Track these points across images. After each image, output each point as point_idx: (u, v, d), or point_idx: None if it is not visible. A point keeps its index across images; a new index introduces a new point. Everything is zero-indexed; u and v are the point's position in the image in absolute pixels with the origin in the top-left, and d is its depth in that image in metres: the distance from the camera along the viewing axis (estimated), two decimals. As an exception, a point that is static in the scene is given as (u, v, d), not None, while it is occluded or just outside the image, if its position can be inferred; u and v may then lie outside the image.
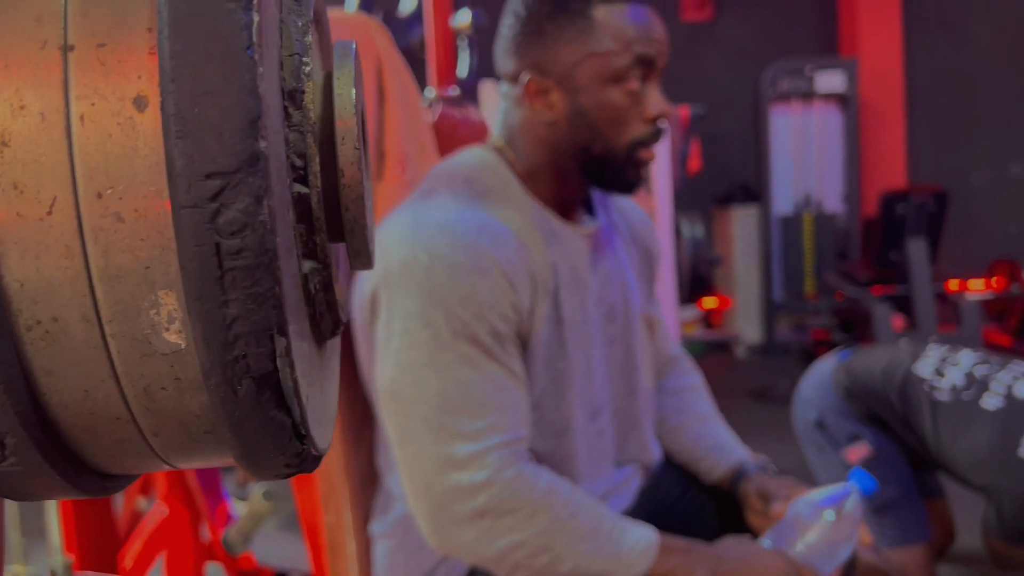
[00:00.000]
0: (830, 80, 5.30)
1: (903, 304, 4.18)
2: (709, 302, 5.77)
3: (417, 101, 1.33)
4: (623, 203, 1.24)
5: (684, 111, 4.28)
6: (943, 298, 4.18)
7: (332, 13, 1.21)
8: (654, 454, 1.22)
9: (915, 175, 5.80)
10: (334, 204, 0.29)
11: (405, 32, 2.42)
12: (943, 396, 1.99)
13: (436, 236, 0.94)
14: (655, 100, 1.02)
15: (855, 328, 4.50)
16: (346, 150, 0.29)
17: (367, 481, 1.17)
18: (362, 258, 0.31)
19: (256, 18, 0.24)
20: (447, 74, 1.57)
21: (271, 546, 2.65)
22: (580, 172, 1.05)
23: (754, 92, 5.40)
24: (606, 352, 1.14)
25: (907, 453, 2.14)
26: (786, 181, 5.40)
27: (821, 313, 4.97)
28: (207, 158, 0.23)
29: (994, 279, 5.07)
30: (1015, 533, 1.87)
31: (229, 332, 0.24)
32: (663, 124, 1.04)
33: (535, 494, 0.93)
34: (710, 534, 1.15)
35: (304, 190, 0.28)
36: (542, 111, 1.03)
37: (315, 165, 0.28)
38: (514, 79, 1.05)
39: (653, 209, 4.03)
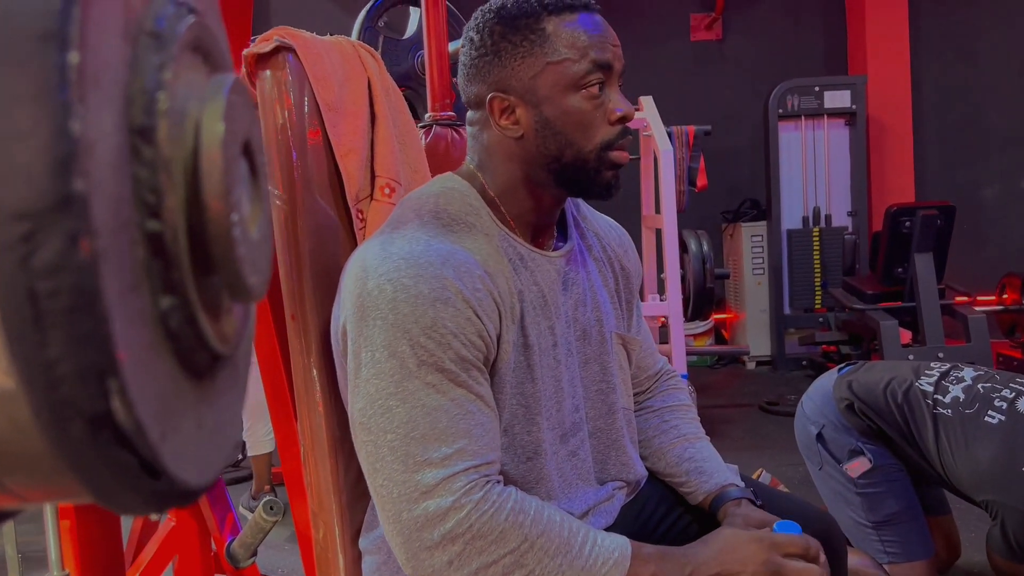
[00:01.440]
0: (839, 97, 5.31)
1: (911, 319, 4.17)
2: (719, 316, 5.78)
3: (410, 124, 1.36)
4: (598, 223, 1.26)
5: (691, 129, 4.30)
6: (951, 312, 4.16)
7: (323, 39, 1.24)
8: (638, 471, 1.22)
9: (924, 190, 5.79)
10: (203, 238, 0.29)
11: (408, 54, 2.46)
12: (946, 410, 1.99)
13: (401, 267, 0.96)
14: (617, 102, 1.05)
15: (863, 342, 4.48)
16: (211, 185, 0.28)
17: (356, 498, 1.18)
18: (238, 292, 0.30)
19: (75, 58, 0.24)
20: (443, 96, 1.60)
21: (279, 557, 2.67)
22: (555, 183, 1.07)
23: (763, 110, 5.42)
24: (582, 373, 1.15)
25: (909, 469, 2.13)
26: (795, 196, 5.41)
27: (830, 327, 4.96)
28: (17, 200, 0.23)
29: (1005, 293, 5.05)
30: (1020, 550, 1.86)
31: (53, 373, 0.23)
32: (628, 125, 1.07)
33: (503, 515, 0.94)
34: None
35: (158, 227, 0.27)
36: (509, 128, 1.05)
37: (171, 200, 0.27)
38: (479, 103, 1.08)
39: (661, 226, 4.05)
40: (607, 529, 1.14)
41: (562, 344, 1.10)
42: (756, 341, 5.51)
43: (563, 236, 1.18)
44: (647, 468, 1.29)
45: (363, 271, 0.99)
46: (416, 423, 0.94)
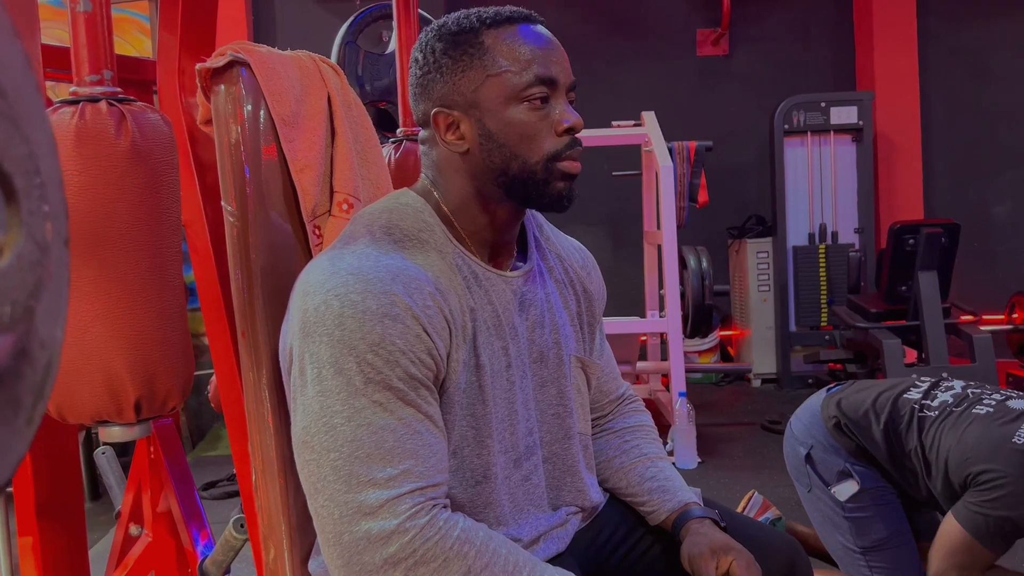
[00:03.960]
0: (845, 114, 5.27)
1: (915, 337, 4.11)
2: (725, 332, 5.73)
3: (372, 140, 1.34)
4: (561, 244, 1.24)
5: (692, 145, 4.27)
6: (957, 332, 4.10)
7: (281, 53, 1.23)
8: (592, 498, 1.20)
9: (933, 207, 5.73)
10: None
11: (389, 69, 2.46)
12: (932, 412, 1.95)
13: (349, 283, 0.95)
14: (563, 113, 1.03)
15: (868, 360, 4.42)
16: None
17: (306, 520, 1.16)
18: None
19: None
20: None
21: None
22: (506, 196, 1.06)
23: (769, 125, 5.38)
24: (537, 396, 1.13)
25: (899, 492, 2.09)
26: (801, 213, 5.36)
27: (836, 345, 4.90)
28: None
29: (1015, 312, 4.97)
30: (998, 531, 1.78)
31: None
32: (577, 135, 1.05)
33: (448, 542, 0.91)
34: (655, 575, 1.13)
35: None
36: (455, 143, 1.05)
37: None
38: (425, 121, 1.07)
39: (660, 242, 4.02)
40: (559, 555, 1.12)
41: (516, 366, 1.08)
42: (761, 358, 5.45)
43: (523, 256, 1.16)
44: (607, 488, 1.26)
45: (310, 286, 0.97)
46: (361, 442, 0.92)
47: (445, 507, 0.96)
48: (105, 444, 2.38)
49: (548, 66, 1.02)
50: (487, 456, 1.04)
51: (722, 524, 1.16)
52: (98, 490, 3.59)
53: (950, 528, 1.84)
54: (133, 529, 2.18)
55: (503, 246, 1.11)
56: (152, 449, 1.99)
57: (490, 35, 1.02)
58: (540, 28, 1.06)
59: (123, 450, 3.44)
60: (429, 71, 1.05)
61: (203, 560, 1.86)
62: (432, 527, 0.91)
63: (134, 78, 1.88)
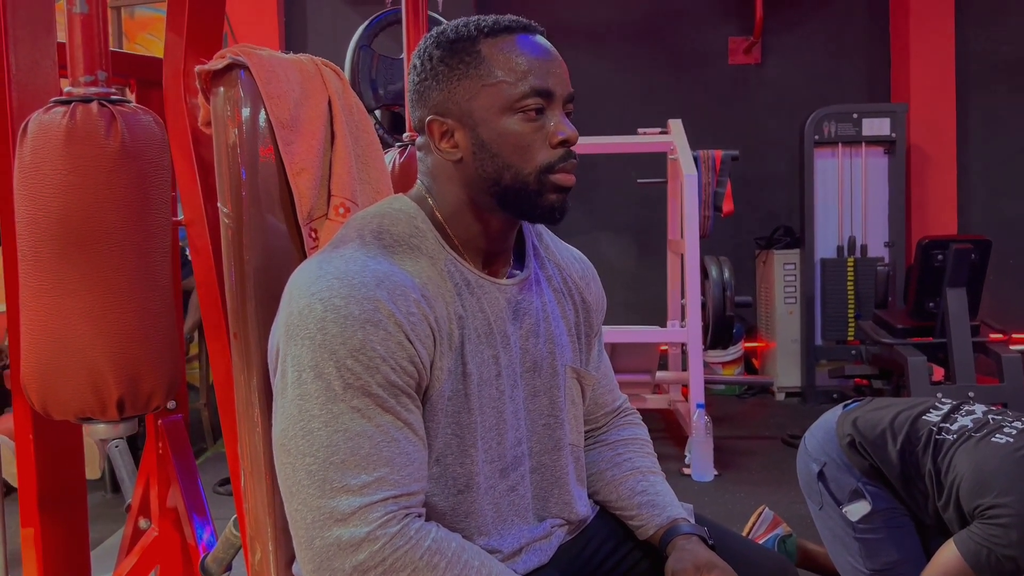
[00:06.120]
0: (878, 125, 5.19)
1: (943, 355, 4.03)
2: (750, 344, 5.66)
3: (373, 144, 1.34)
4: (560, 253, 1.23)
5: (717, 153, 4.23)
6: (985, 350, 4.01)
7: (282, 56, 1.23)
8: (579, 511, 1.18)
9: (966, 223, 5.61)
10: None
11: (402, 73, 2.47)
12: (950, 436, 1.91)
13: (333, 287, 0.95)
14: (558, 125, 1.02)
15: (894, 377, 4.34)
16: None
17: (291, 522, 1.17)
18: None
19: None
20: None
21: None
22: (499, 206, 1.05)
23: (799, 136, 5.32)
24: (528, 405, 1.12)
25: (913, 516, 2.04)
26: (830, 225, 5.29)
27: (863, 360, 4.82)
28: None
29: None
30: (998, 566, 1.72)
31: None
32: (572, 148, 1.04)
33: (418, 552, 0.91)
34: None
35: None
36: (448, 151, 1.04)
37: None
38: (421, 127, 1.07)
39: (683, 251, 3.98)
40: (541, 568, 1.11)
41: (507, 375, 1.07)
42: (786, 371, 5.38)
43: (521, 265, 1.15)
44: (598, 501, 1.25)
45: (297, 288, 0.98)
46: (337, 447, 0.92)
47: (419, 516, 0.95)
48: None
49: (545, 78, 1.01)
50: (470, 465, 1.03)
51: (710, 542, 1.14)
52: (117, 483, 3.64)
53: (949, 554, 1.79)
54: (142, 522, 2.21)
55: (498, 254, 1.10)
56: (160, 445, 2.02)
57: (487, 44, 1.02)
58: (539, 39, 1.05)
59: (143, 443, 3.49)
60: (426, 78, 1.05)
61: (205, 556, 1.88)
62: (403, 536, 0.91)
63: (154, 79, 1.90)
